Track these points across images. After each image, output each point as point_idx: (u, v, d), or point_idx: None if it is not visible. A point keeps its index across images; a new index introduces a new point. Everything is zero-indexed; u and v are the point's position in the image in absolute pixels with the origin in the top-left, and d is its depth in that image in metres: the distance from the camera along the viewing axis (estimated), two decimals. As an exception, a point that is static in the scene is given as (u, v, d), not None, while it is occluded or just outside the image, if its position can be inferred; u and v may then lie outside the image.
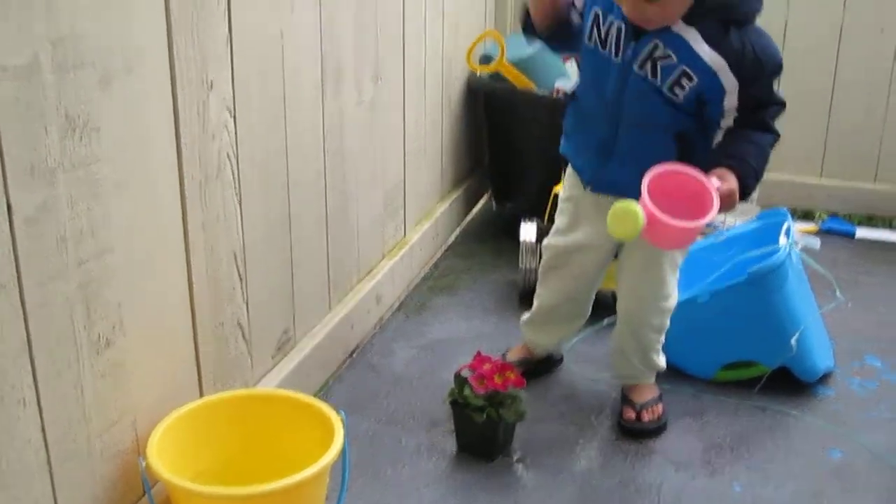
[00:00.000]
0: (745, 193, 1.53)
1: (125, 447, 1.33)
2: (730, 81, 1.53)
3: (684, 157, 1.55)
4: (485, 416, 1.71)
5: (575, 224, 1.82)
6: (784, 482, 1.73)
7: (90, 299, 1.21)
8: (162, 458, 1.31)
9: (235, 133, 1.51)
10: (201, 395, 1.51)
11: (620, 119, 1.63)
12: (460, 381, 1.75)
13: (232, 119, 1.49)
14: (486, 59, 2.78)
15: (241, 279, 1.58)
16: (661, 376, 1.95)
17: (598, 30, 1.62)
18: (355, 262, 2.13)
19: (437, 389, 1.94)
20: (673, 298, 1.83)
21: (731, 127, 1.57)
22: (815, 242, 2.15)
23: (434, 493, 1.68)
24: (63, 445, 1.19)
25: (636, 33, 1.56)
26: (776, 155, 1.61)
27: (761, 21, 1.58)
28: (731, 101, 1.55)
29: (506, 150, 2.83)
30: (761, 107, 1.57)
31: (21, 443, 1.11)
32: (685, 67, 1.53)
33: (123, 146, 1.24)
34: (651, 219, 1.39)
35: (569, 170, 1.83)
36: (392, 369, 2.07)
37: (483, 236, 2.91)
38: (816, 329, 2.06)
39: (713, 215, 1.41)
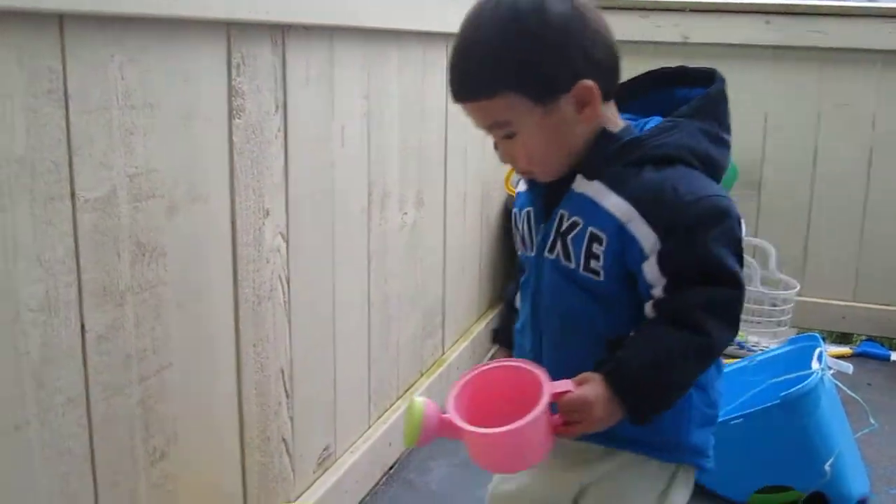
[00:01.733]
0: (637, 412, 1.10)
1: (172, 558, 1.38)
2: (645, 234, 1.11)
3: None
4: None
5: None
6: None
7: (149, 413, 1.28)
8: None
9: (287, 257, 1.60)
10: (245, 508, 1.56)
11: (542, 329, 1.24)
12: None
13: (285, 243, 1.59)
14: (523, 184, 2.89)
15: (287, 395, 1.65)
16: (695, 498, 1.96)
17: (519, 229, 1.30)
18: (395, 380, 2.19)
19: (473, 507, 1.97)
20: None
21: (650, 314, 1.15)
22: (848, 367, 2.18)
23: None
24: (116, 554, 1.25)
25: (546, 212, 1.22)
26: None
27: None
28: (651, 267, 1.11)
29: (542, 271, 2.91)
30: (693, 282, 1.10)
31: (79, 551, 1.17)
32: (592, 228, 1.15)
33: (185, 270, 1.33)
34: (442, 423, 1.11)
35: None
36: (429, 486, 2.10)
37: (519, 355, 2.95)
38: (851, 454, 2.07)
39: (523, 424, 1.05)
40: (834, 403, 2.07)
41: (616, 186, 1.14)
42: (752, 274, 2.91)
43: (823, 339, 2.25)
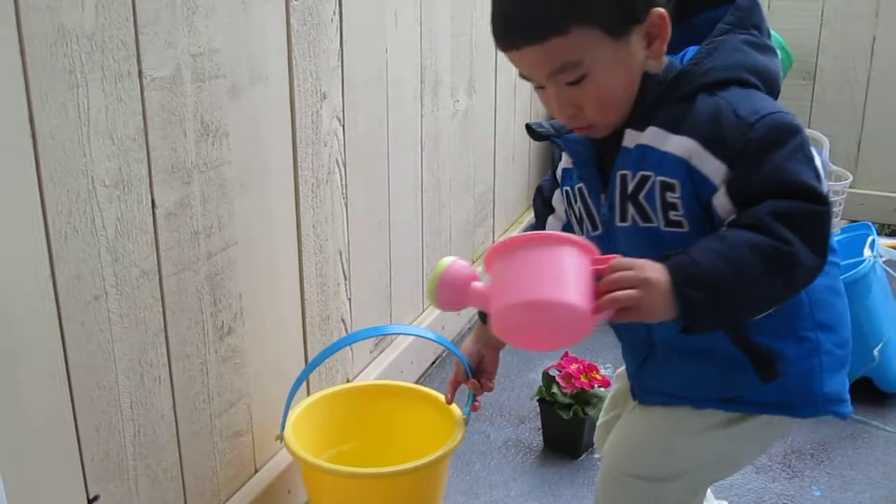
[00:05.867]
0: (693, 311, 0.94)
1: (240, 428, 1.44)
2: (713, 168, 1.00)
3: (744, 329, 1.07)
4: (571, 413, 1.78)
5: None
6: (864, 489, 1.76)
7: (216, 289, 1.32)
8: (297, 439, 1.42)
9: (344, 141, 1.62)
10: (307, 386, 1.61)
11: None
12: (548, 379, 1.83)
13: (341, 128, 1.60)
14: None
15: (345, 277, 1.69)
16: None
17: (575, 210, 1.18)
18: (447, 266, 2.22)
19: (524, 388, 2.04)
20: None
21: None
22: (900, 256, 2.18)
23: (521, 485, 1.76)
24: (189, 423, 1.31)
25: (603, 180, 1.11)
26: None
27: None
28: (721, 199, 1.00)
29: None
30: (766, 197, 0.96)
31: (156, 417, 1.23)
32: (660, 177, 1.03)
33: (247, 150, 1.36)
34: (466, 284, 1.02)
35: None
36: (480, 369, 2.15)
37: (567, 245, 2.98)
38: (900, 341, 2.08)
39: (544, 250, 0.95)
40: (885, 291, 2.08)
41: (673, 126, 1.03)
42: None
43: (876, 230, 2.25)
